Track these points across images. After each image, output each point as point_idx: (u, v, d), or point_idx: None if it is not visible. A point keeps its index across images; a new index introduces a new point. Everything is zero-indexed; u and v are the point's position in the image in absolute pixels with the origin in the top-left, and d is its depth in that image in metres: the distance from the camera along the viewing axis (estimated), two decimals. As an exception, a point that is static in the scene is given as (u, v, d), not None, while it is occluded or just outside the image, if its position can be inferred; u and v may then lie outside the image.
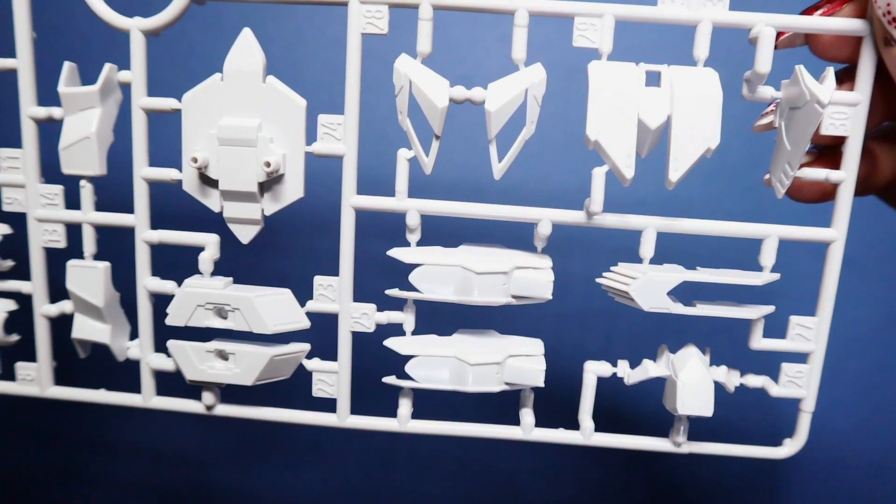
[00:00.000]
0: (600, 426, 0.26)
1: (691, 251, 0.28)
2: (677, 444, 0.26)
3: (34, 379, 0.28)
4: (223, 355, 0.26)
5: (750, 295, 0.25)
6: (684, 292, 0.25)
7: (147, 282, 0.26)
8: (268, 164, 0.24)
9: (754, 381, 0.26)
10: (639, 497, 0.47)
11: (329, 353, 0.27)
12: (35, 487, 0.50)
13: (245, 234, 0.26)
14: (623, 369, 0.26)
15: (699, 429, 0.26)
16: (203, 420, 0.28)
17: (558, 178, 0.42)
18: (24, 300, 0.27)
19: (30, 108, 0.25)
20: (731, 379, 0.26)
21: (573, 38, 0.24)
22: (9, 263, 0.27)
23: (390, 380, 0.26)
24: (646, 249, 0.25)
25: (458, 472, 0.47)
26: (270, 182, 0.25)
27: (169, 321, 0.25)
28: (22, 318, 0.28)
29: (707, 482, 0.47)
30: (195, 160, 0.24)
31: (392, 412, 0.27)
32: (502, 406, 0.29)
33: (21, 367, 0.28)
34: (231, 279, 0.26)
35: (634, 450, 0.27)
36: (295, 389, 0.27)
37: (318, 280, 0.26)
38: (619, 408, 0.42)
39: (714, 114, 0.23)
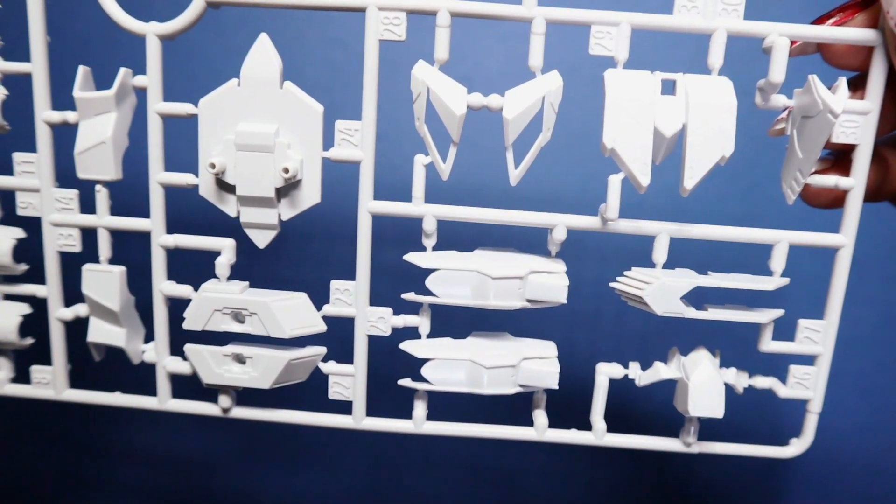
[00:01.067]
0: (610, 426, 0.27)
1: (691, 251, 0.28)
2: (688, 444, 0.27)
3: (49, 382, 0.28)
4: (240, 359, 0.26)
5: (756, 297, 0.25)
6: (693, 294, 0.25)
7: (163, 286, 0.26)
8: (286, 171, 0.24)
9: (762, 382, 0.26)
10: (647, 497, 0.48)
11: (343, 355, 0.27)
12: (40, 491, 0.50)
13: (262, 239, 0.26)
14: (634, 371, 0.27)
15: (703, 429, 0.27)
16: (209, 423, 0.28)
17: (563, 178, 0.42)
18: (38, 304, 0.27)
19: (44, 113, 0.25)
20: (741, 380, 0.26)
21: (589, 46, 0.24)
22: (23, 267, 0.27)
23: (406, 382, 0.26)
24: (659, 255, 0.25)
25: (466, 473, 0.48)
26: (288, 187, 0.25)
27: (186, 325, 0.26)
28: (36, 322, 0.28)
29: (709, 482, 0.48)
30: (213, 166, 0.24)
31: (404, 414, 0.27)
32: (511, 407, 0.30)
33: (36, 371, 0.28)
34: (247, 283, 0.26)
35: (644, 450, 0.27)
36: (307, 392, 0.27)
37: (335, 284, 0.26)
38: (628, 408, 0.43)
39: (729, 122, 0.23)
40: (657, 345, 0.41)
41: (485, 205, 0.26)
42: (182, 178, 0.26)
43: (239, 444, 0.48)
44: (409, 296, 0.26)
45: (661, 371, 0.26)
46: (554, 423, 0.27)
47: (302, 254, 0.43)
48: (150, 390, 0.28)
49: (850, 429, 0.46)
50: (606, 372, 0.27)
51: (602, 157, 0.24)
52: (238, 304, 0.25)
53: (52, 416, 0.48)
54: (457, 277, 0.25)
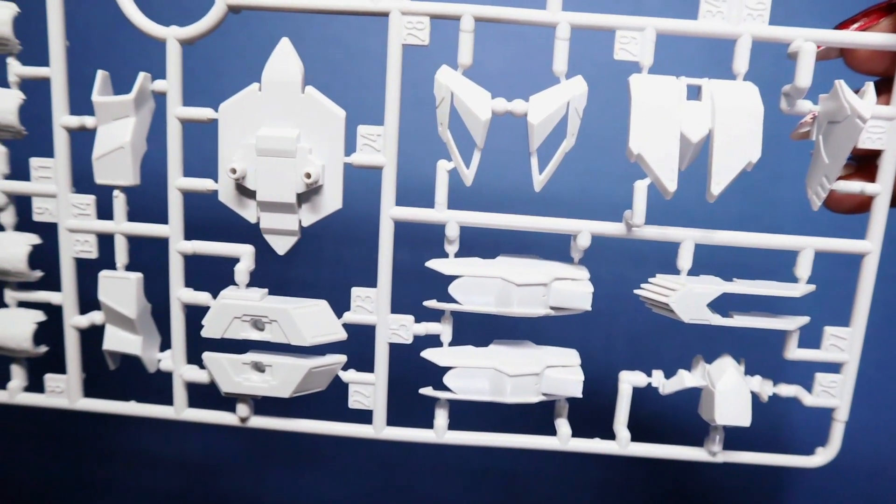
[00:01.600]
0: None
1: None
2: (713, 453, 0.26)
3: (63, 391, 0.27)
4: (259, 367, 0.25)
5: (768, 301, 0.25)
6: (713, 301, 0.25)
7: (181, 293, 0.26)
8: (308, 176, 0.24)
9: (787, 390, 0.26)
10: (660, 500, 0.47)
11: (362, 363, 0.27)
12: (46, 495, 0.50)
13: (281, 245, 0.25)
14: (658, 379, 0.26)
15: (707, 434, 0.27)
16: (217, 427, 0.28)
17: (561, 180, 0.41)
18: (51, 311, 0.27)
19: (62, 118, 0.25)
20: (765, 388, 0.26)
21: (614, 52, 0.24)
22: (38, 274, 0.26)
23: (427, 391, 0.26)
24: (684, 261, 0.25)
25: (476, 476, 0.47)
26: (309, 193, 0.25)
27: (205, 333, 0.25)
28: (49, 330, 0.27)
29: (709, 483, 0.47)
30: (234, 171, 0.24)
31: (419, 421, 0.27)
32: (526, 414, 0.29)
33: (50, 379, 0.27)
34: (266, 290, 0.26)
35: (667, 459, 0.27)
36: (320, 399, 0.27)
37: (356, 291, 0.26)
38: (642, 413, 0.42)
39: (755, 128, 0.23)
40: (656, 347, 0.41)
41: (493, 207, 0.25)
42: (201, 184, 0.25)
43: (247, 448, 0.48)
44: (432, 303, 0.25)
45: (685, 379, 0.26)
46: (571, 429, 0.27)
47: (317, 258, 0.43)
48: (161, 396, 0.27)
49: (850, 429, 0.45)
50: (629, 380, 0.27)
51: (604, 159, 0.24)
52: (258, 312, 0.25)
53: (56, 421, 0.47)
54: (480, 284, 0.25)
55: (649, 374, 0.27)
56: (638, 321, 0.43)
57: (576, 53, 0.24)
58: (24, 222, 0.26)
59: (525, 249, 0.26)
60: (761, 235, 0.25)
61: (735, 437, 0.27)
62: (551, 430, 0.27)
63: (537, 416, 0.29)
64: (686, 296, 0.24)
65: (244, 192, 0.25)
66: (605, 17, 0.24)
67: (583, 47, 0.25)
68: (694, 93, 0.24)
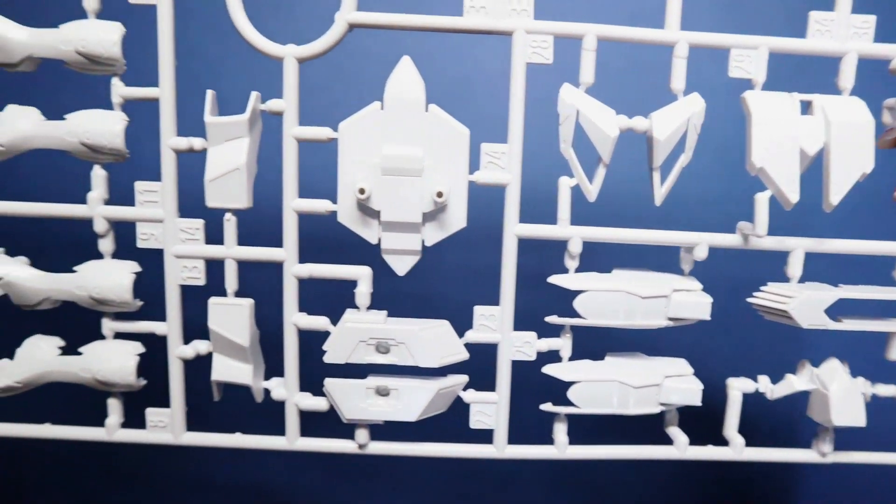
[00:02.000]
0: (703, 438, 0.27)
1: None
2: (823, 454, 0.27)
3: (167, 425, 0.26)
4: (382, 392, 0.25)
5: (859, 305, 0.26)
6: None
7: (296, 318, 0.25)
8: (440, 195, 0.23)
9: (885, 390, 0.27)
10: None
11: (476, 382, 0.26)
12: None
13: (402, 266, 0.25)
14: (764, 384, 0.27)
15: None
16: (287, 453, 0.27)
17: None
18: (149, 341, 0.26)
19: (171, 139, 0.24)
20: (867, 389, 0.27)
21: (728, 69, 0.25)
22: (139, 303, 0.25)
23: (548, 407, 0.26)
24: (794, 269, 0.26)
25: (550, 487, 0.47)
26: (434, 212, 0.24)
27: (328, 358, 0.24)
28: (146, 361, 0.26)
29: (717, 483, 0.48)
30: (362, 191, 0.23)
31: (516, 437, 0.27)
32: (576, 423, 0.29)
33: (152, 413, 0.26)
34: (386, 312, 0.25)
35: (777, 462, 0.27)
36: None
37: (479, 310, 0.25)
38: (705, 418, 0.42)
39: (868, 140, 0.24)
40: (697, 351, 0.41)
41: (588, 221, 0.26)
42: (319, 205, 0.25)
43: (318, 472, 0.45)
44: (554, 319, 0.25)
45: (794, 383, 0.27)
46: (642, 436, 0.27)
47: (421, 272, 0.41)
48: (240, 426, 0.26)
49: (851, 429, 0.46)
50: (738, 386, 0.27)
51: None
52: (385, 335, 0.24)
53: (125, 453, 0.43)
54: (604, 298, 0.25)
55: (755, 379, 0.27)
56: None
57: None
58: (124, 249, 0.25)
59: (608, 261, 0.27)
60: (865, 242, 0.26)
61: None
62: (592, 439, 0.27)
63: (590, 425, 0.29)
64: (805, 302, 0.25)
65: (366, 212, 0.24)
66: (720, 36, 0.24)
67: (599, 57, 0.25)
68: (803, 107, 0.25)
